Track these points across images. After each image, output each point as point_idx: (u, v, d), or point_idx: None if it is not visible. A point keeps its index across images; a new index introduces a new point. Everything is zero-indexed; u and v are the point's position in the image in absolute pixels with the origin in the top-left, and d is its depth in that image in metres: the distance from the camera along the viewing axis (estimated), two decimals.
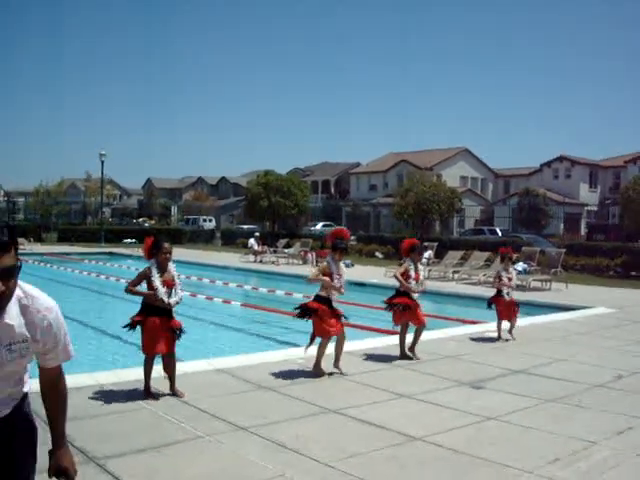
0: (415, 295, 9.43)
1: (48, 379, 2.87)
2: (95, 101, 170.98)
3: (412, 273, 9.42)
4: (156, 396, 6.94)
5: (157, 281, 6.95)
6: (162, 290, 6.95)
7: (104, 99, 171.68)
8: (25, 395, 2.85)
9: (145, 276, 7.03)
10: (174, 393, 7.04)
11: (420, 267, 9.72)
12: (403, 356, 9.37)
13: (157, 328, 6.91)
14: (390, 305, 9.42)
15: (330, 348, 8.37)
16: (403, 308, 9.26)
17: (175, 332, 7.05)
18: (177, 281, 7.14)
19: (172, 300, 7.03)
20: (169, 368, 7.11)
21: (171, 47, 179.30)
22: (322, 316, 8.12)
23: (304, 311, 8.30)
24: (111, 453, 5.22)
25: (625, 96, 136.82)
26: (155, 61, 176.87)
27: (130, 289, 7.05)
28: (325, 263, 8.51)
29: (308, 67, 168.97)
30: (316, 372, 8.23)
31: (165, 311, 7.02)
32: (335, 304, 8.39)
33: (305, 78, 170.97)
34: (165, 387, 7.12)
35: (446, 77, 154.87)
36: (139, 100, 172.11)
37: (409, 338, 9.51)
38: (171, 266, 7.15)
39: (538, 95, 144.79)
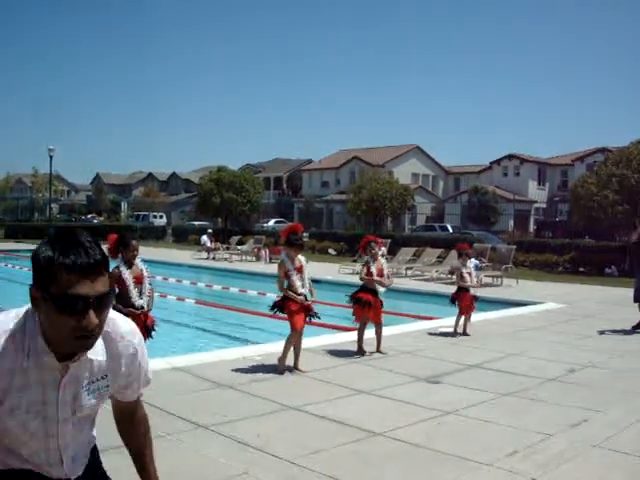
0: (381, 290, 9.49)
1: (127, 411, 2.39)
2: (43, 95, 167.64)
3: (373, 269, 9.46)
4: None
5: (129, 280, 6.90)
6: (134, 292, 6.92)
7: (51, 93, 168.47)
8: (95, 445, 2.35)
9: (116, 277, 6.94)
10: None
11: (382, 261, 9.77)
12: (360, 352, 9.41)
13: None
14: (354, 299, 9.46)
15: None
16: (364, 304, 9.30)
17: (148, 329, 7.02)
18: (146, 274, 7.11)
19: (141, 302, 6.99)
20: None
21: (122, 40, 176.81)
22: (296, 311, 8.14)
23: (278, 307, 8.33)
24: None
25: (572, 96, 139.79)
26: (107, 55, 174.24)
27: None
28: (280, 261, 8.47)
29: (259, 64, 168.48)
30: (279, 365, 8.21)
31: (137, 309, 6.99)
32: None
33: (256, 75, 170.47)
34: None
35: (397, 75, 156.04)
36: (86, 94, 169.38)
37: (368, 334, 9.55)
38: (137, 261, 7.10)
39: (488, 94, 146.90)
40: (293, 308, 8.15)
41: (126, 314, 6.77)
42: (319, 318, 8.72)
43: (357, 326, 9.56)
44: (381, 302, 9.54)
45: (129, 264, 7.04)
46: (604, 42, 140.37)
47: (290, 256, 8.32)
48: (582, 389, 7.69)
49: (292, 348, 8.30)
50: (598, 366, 8.99)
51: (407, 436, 5.77)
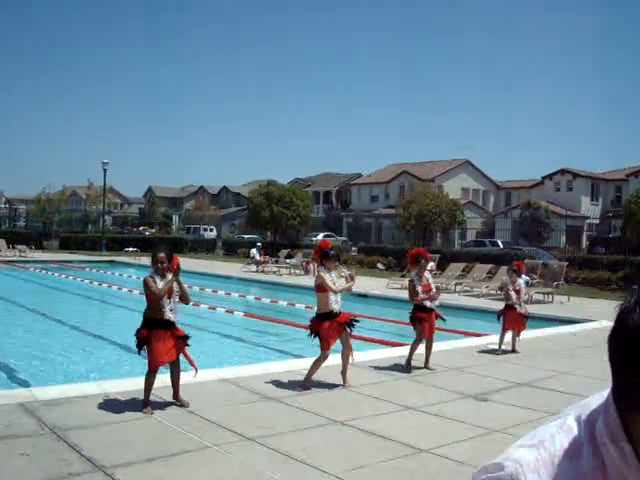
0: (429, 304, 9.44)
1: None
2: (98, 109, 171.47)
3: (418, 288, 9.39)
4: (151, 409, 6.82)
5: (161, 284, 6.91)
6: (166, 304, 6.95)
7: (107, 107, 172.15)
8: None
9: (147, 286, 6.98)
10: (178, 401, 7.03)
11: (428, 276, 9.70)
12: (408, 368, 9.36)
13: (162, 340, 6.89)
14: (413, 321, 9.50)
15: (337, 359, 8.37)
16: (419, 321, 9.34)
17: (180, 340, 7.04)
18: (175, 289, 7.06)
19: (170, 316, 6.99)
20: (174, 376, 7.10)
21: (174, 57, 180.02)
22: (327, 332, 8.11)
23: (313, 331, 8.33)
24: (119, 462, 5.22)
25: (627, 109, 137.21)
26: (158, 70, 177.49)
27: (156, 291, 6.93)
28: (318, 276, 8.36)
29: (310, 78, 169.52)
30: (303, 383, 8.14)
31: (167, 323, 6.98)
32: (340, 308, 8.29)
33: (307, 89, 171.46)
34: (169, 396, 7.11)
35: (448, 89, 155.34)
36: (141, 109, 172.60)
37: (417, 350, 9.49)
38: (169, 276, 7.09)
39: (540, 107, 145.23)
40: (324, 327, 8.11)
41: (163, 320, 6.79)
42: (354, 325, 8.49)
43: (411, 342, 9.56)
44: (437, 316, 9.56)
45: (161, 276, 7.07)
46: None
47: (328, 270, 8.25)
48: None
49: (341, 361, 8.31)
50: None
51: (453, 453, 5.72)
